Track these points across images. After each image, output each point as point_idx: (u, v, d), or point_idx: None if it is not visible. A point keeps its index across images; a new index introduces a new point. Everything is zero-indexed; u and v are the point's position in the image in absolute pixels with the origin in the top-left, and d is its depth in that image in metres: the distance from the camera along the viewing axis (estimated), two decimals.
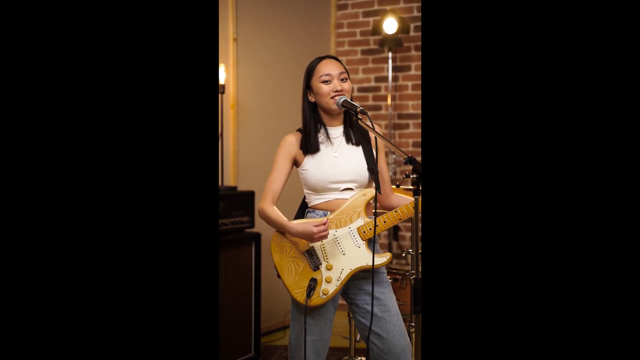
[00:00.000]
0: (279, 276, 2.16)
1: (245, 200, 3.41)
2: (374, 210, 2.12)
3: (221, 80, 3.60)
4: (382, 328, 2.09)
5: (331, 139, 2.19)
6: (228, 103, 3.84)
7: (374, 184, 2.18)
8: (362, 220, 2.13)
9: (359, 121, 2.08)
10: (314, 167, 2.15)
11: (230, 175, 3.85)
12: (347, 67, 4.71)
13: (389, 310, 2.12)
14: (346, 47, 4.77)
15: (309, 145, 2.17)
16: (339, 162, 2.15)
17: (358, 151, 2.19)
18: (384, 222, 2.11)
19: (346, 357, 3.05)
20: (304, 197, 2.28)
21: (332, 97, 2.13)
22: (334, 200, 2.16)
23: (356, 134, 2.21)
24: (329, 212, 2.16)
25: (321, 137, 2.19)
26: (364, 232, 2.11)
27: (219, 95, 3.60)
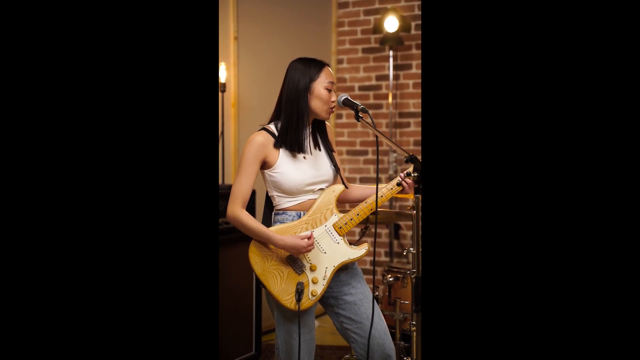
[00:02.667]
0: (263, 286, 2.13)
1: None
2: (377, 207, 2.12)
3: (222, 79, 3.60)
4: (362, 316, 2.14)
5: None
6: (229, 102, 3.84)
7: (340, 180, 2.23)
8: (335, 217, 2.15)
9: (360, 119, 2.08)
10: (288, 170, 2.12)
11: (232, 174, 3.85)
12: (348, 66, 4.77)
13: (366, 297, 2.18)
14: (347, 46, 4.76)
15: (298, 145, 2.11)
16: (311, 163, 2.15)
17: (322, 152, 2.21)
18: (357, 214, 2.14)
19: (347, 356, 3.04)
20: (267, 197, 2.23)
21: (328, 107, 2.13)
22: (307, 201, 2.16)
23: (324, 138, 2.22)
24: (302, 213, 2.15)
25: None
26: (340, 227, 2.14)
27: (220, 93, 3.59)
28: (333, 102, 2.14)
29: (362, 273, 2.25)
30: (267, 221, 2.22)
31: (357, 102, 2.11)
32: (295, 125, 2.11)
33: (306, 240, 2.06)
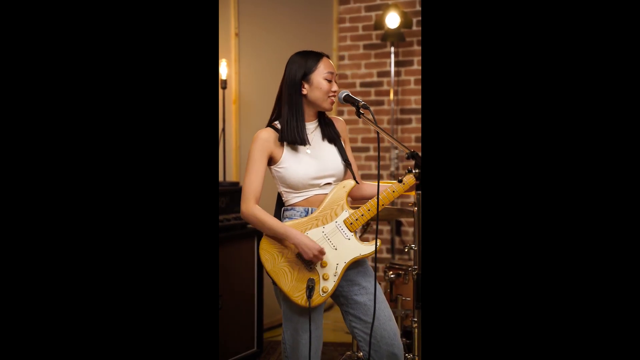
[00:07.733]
0: (274, 283, 2.13)
1: None
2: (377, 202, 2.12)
3: (223, 76, 3.59)
4: (371, 317, 2.12)
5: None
6: (230, 98, 3.83)
7: (351, 175, 2.21)
8: (346, 213, 2.14)
9: (362, 116, 2.07)
10: (292, 164, 2.11)
11: (233, 170, 3.85)
12: (349, 62, 4.76)
13: (377, 297, 2.15)
14: (348, 42, 4.75)
15: (299, 137, 2.10)
16: (315, 157, 2.14)
17: (329, 145, 2.19)
18: (368, 210, 2.13)
19: (349, 352, 3.04)
20: (278, 195, 2.24)
21: (329, 97, 2.13)
22: (314, 197, 2.15)
23: (329, 131, 2.21)
24: (309, 209, 2.15)
25: None
26: (351, 223, 2.13)
27: (222, 90, 3.59)
28: (334, 92, 2.14)
29: (372, 272, 2.22)
30: (277, 218, 2.20)
31: (358, 98, 2.10)
32: (294, 119, 2.12)
33: (320, 250, 2.06)
